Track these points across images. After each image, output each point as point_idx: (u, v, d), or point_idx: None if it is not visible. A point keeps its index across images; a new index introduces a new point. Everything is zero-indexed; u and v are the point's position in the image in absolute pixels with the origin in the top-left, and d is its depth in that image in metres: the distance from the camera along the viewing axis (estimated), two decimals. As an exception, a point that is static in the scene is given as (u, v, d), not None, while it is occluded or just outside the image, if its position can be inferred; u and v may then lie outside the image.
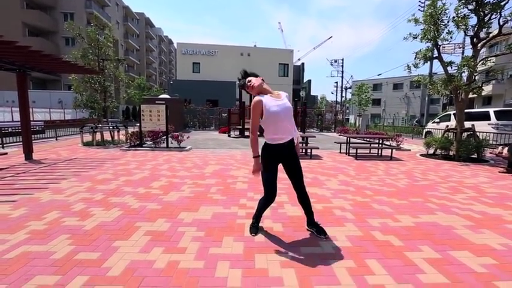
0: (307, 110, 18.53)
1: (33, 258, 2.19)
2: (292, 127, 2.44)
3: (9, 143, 9.22)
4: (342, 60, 36.93)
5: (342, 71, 36.55)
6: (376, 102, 42.08)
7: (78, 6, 30.91)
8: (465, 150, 7.78)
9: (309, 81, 36.29)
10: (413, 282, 1.96)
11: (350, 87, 40.40)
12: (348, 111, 42.38)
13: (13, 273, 1.98)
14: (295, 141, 2.55)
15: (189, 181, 4.77)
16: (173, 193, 4.04)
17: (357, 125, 25.51)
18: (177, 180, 4.84)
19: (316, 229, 2.69)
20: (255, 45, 33.64)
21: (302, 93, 24.71)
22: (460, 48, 24.29)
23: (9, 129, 10.08)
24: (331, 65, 38.40)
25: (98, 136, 10.03)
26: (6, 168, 5.67)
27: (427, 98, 21.84)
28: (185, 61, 29.11)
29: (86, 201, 3.61)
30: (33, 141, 7.11)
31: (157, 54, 60.28)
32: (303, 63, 37.37)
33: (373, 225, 3.00)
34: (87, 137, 10.12)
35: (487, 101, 26.06)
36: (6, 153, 6.67)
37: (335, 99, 38.82)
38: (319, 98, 50.02)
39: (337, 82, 36.94)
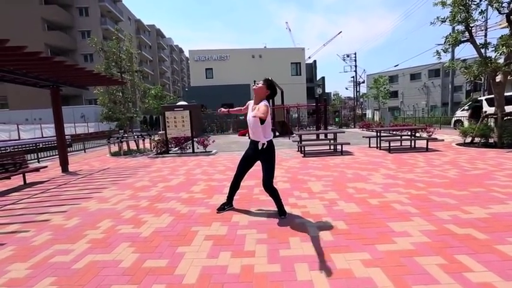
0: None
1: (103, 267, 2.15)
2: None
3: (43, 157, 9.59)
4: (355, 54, 36.16)
5: (356, 65, 35.76)
6: (393, 94, 40.69)
7: (94, 24, 32.15)
8: (509, 136, 7.26)
9: (323, 78, 35.64)
10: (523, 279, 1.74)
11: (363, 82, 39.42)
12: (362, 106, 41.34)
13: (88, 283, 1.94)
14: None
15: (228, 184, 4.64)
16: (217, 196, 3.96)
17: (375, 119, 24.79)
18: (215, 183, 4.78)
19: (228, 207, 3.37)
20: (265, 47, 33.61)
21: (319, 91, 24.32)
22: (481, 30, 23.14)
23: (40, 145, 10.52)
24: (344, 60, 37.65)
25: (125, 146, 10.23)
26: (47, 180, 5.84)
27: (450, 86, 20.83)
28: (198, 68, 29.49)
29: (133, 209, 3.60)
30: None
31: (170, 63, 61.63)
32: (315, 61, 36.82)
33: (443, 218, 2.76)
34: (114, 148, 10.36)
35: (516, 84, 24.52)
36: (46, 167, 6.90)
37: (353, 94, 37.88)
38: (332, 94, 49.12)
39: (353, 77, 36.10)
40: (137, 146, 10.79)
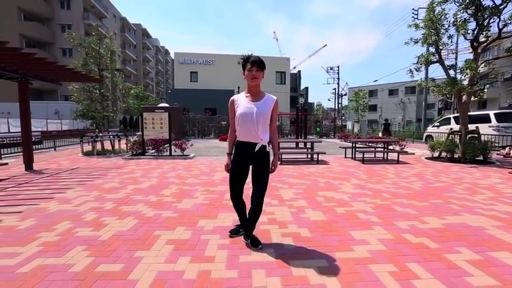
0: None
1: (51, 271, 2.03)
2: (259, 132, 2.29)
3: (7, 153, 8.98)
4: (338, 67, 37.46)
5: (338, 78, 36.99)
6: (372, 108, 42.50)
7: (76, 18, 31.06)
8: (471, 152, 7.78)
9: (306, 88, 36.60)
10: (464, 285, 1.84)
11: (345, 94, 40.86)
12: (343, 117, 42.80)
13: (31, 288, 1.82)
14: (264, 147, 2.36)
15: (200, 188, 4.63)
16: (187, 200, 3.89)
17: (355, 130, 25.68)
18: (187, 187, 4.69)
19: (250, 240, 2.43)
20: (251, 54, 33.94)
21: (301, 100, 24.84)
22: (453, 53, 24.90)
23: (6, 141, 9.84)
24: (327, 72, 38.87)
25: (99, 145, 9.83)
26: (7, 178, 5.46)
27: (423, 103, 22.08)
28: (183, 70, 29.19)
29: (96, 211, 3.45)
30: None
31: (154, 64, 60.56)
32: (299, 71, 37.74)
33: (402, 227, 2.89)
34: (87, 147, 9.93)
35: (482, 104, 26.48)
36: (6, 164, 6.46)
37: (334, 106, 39.08)
38: (315, 105, 50.40)
39: (335, 89, 37.26)
40: (112, 146, 10.40)
